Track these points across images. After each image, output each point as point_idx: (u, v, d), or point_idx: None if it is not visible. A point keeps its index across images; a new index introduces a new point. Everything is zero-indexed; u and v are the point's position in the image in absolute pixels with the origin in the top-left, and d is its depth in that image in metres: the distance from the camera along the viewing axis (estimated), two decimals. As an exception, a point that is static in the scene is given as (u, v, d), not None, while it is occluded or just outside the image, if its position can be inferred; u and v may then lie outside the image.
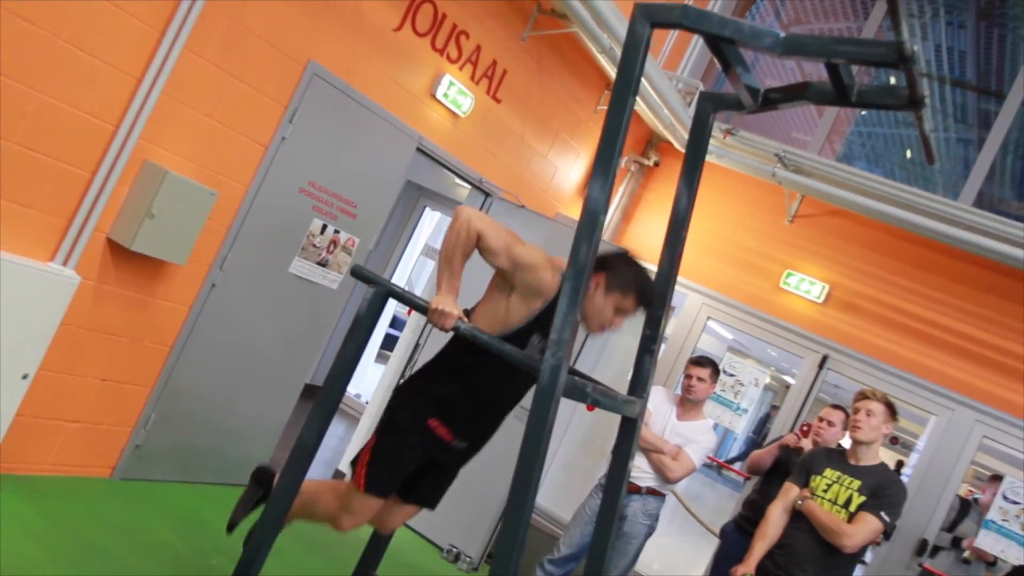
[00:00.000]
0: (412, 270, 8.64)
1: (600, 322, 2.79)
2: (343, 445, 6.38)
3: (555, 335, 2.27)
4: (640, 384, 2.67)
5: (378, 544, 3.43)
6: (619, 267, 2.77)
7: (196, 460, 4.51)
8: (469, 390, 2.89)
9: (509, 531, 2.23)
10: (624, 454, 2.66)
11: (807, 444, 4.67)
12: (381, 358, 9.35)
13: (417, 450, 2.95)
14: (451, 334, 2.81)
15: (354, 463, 2.99)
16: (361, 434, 5.91)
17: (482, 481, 5.02)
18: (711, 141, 6.58)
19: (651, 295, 2.76)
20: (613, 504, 2.70)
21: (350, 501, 3.00)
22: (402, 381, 3.09)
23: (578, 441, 6.92)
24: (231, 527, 3.22)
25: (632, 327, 2.94)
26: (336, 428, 7.35)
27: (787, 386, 16.05)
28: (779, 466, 4.72)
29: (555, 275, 2.71)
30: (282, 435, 4.94)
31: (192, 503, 4.33)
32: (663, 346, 7.62)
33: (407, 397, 2.96)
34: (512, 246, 2.75)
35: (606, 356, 6.57)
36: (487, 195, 5.84)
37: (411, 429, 2.92)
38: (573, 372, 2.77)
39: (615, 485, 2.69)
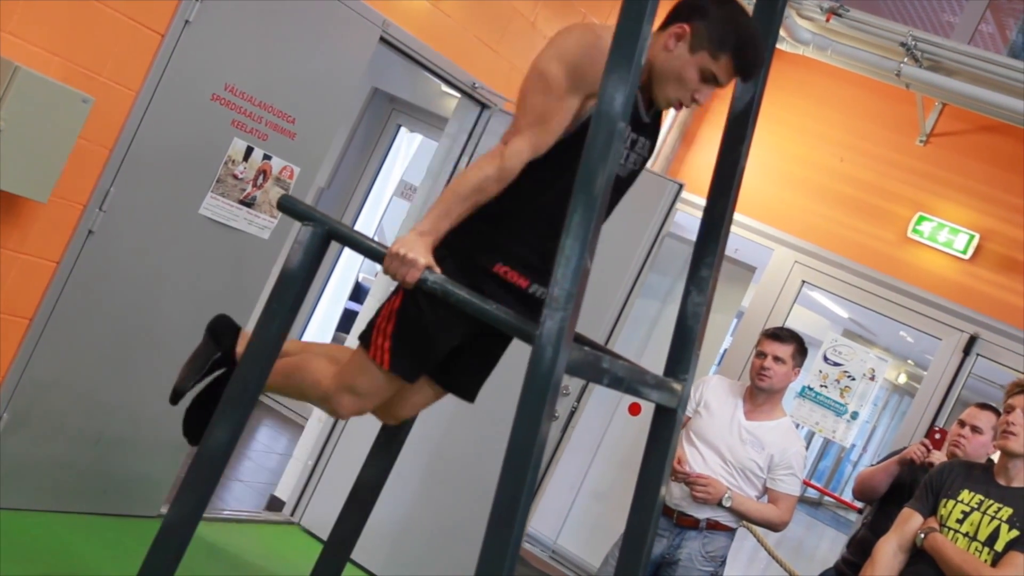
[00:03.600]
0: (383, 216, 8.68)
1: (679, 89, 2.77)
2: (284, 464, 6.47)
3: (557, 288, 2.29)
4: (681, 359, 2.69)
5: (386, 450, 3.40)
6: (715, 15, 2.72)
7: (67, 480, 4.57)
8: (547, 210, 2.82)
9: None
10: (657, 464, 2.69)
11: (940, 458, 4.69)
12: (338, 343, 9.41)
13: (461, 319, 2.86)
14: None
15: (369, 329, 2.95)
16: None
17: (470, 504, 5.07)
18: (807, 26, 6.55)
19: (755, 60, 2.74)
20: (639, 545, 2.74)
21: (358, 377, 2.97)
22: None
23: (617, 460, 7.00)
24: (176, 397, 3.24)
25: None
26: (276, 442, 7.44)
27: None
28: (899, 490, 4.74)
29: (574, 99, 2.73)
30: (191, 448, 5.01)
31: (63, 541, 4.40)
32: (736, 324, 7.68)
33: (449, 244, 2.84)
34: (563, 97, 2.74)
35: (659, 334, 6.61)
36: (483, 106, 5.84)
37: (470, 284, 2.82)
38: (582, 341, 2.80)
39: (644, 512, 2.73)
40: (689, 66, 2.73)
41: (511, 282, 2.89)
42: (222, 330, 3.33)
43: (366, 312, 7.82)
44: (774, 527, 4.65)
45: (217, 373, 3.32)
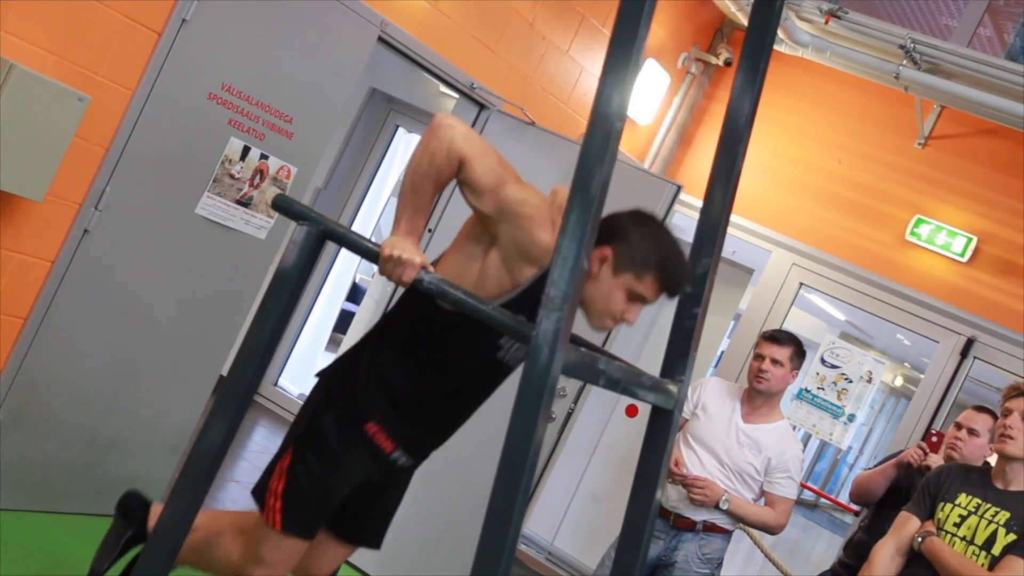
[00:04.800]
0: (380, 216, 8.67)
1: (606, 311, 2.78)
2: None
3: (553, 289, 2.28)
4: (677, 361, 2.68)
5: None
6: (635, 236, 2.74)
7: (62, 481, 4.56)
8: (424, 377, 2.93)
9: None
10: (653, 465, 2.68)
11: (936, 461, 4.69)
12: (334, 344, 9.42)
13: (351, 469, 2.98)
14: (404, 292, 2.84)
15: (261, 491, 3.01)
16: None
17: (466, 505, 5.06)
18: (807, 28, 6.55)
19: (680, 278, 2.74)
20: (636, 544, 2.73)
21: (261, 545, 3.02)
22: (326, 366, 3.13)
23: (613, 462, 6.99)
24: None
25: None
26: (271, 442, 7.42)
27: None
28: (896, 493, 4.74)
29: (556, 234, 2.74)
30: (188, 447, 5.00)
31: (55, 541, 4.39)
32: (733, 326, 7.68)
33: (333, 392, 2.99)
34: (504, 184, 2.77)
35: (656, 336, 6.61)
36: (482, 107, 5.84)
37: (342, 438, 2.95)
38: (578, 342, 2.79)
39: (640, 514, 2.72)
40: (615, 288, 2.75)
41: (377, 443, 2.98)
42: (132, 507, 3.36)
43: (362, 315, 7.83)
44: (771, 530, 4.64)
45: (137, 550, 3.33)
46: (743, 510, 4.54)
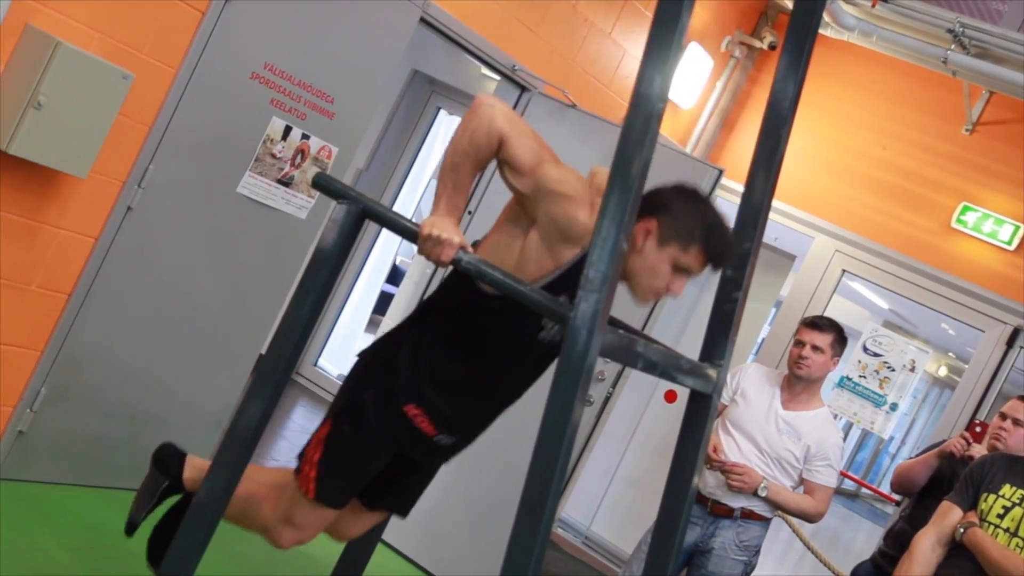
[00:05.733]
0: (421, 198, 8.68)
1: (651, 285, 2.79)
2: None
3: (592, 270, 2.28)
4: (717, 345, 2.67)
5: (355, 558, 3.50)
6: (679, 208, 2.76)
7: (102, 455, 4.61)
8: (466, 361, 2.94)
9: (514, 566, 2.27)
10: (690, 450, 2.67)
11: (980, 451, 4.64)
12: (373, 326, 9.46)
13: (386, 446, 3.02)
14: (447, 275, 2.84)
15: (301, 458, 3.06)
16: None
17: (502, 488, 5.07)
18: (853, 11, 6.48)
19: (725, 248, 2.76)
20: (672, 532, 2.73)
21: (293, 509, 3.08)
22: (368, 345, 3.16)
23: (651, 447, 6.98)
24: (131, 528, 3.34)
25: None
26: (310, 422, 7.47)
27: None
28: (938, 483, 4.69)
29: (596, 214, 2.73)
30: (227, 424, 5.04)
31: (95, 514, 4.44)
32: (775, 313, 7.63)
33: (374, 370, 3.01)
34: (543, 163, 2.77)
35: (696, 321, 6.58)
36: (523, 89, 5.82)
37: (379, 417, 2.98)
38: (617, 324, 2.79)
39: (677, 500, 2.71)
40: (660, 261, 2.75)
41: (418, 426, 2.99)
42: (167, 459, 3.40)
43: (402, 296, 7.86)
44: (809, 518, 4.62)
45: (177, 498, 3.41)
46: (781, 497, 4.51)
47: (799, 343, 4.59)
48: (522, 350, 2.98)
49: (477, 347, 2.94)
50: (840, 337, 4.60)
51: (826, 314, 6.12)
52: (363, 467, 3.04)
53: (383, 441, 3.01)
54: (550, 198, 2.74)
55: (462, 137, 2.79)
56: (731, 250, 2.76)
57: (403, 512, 3.30)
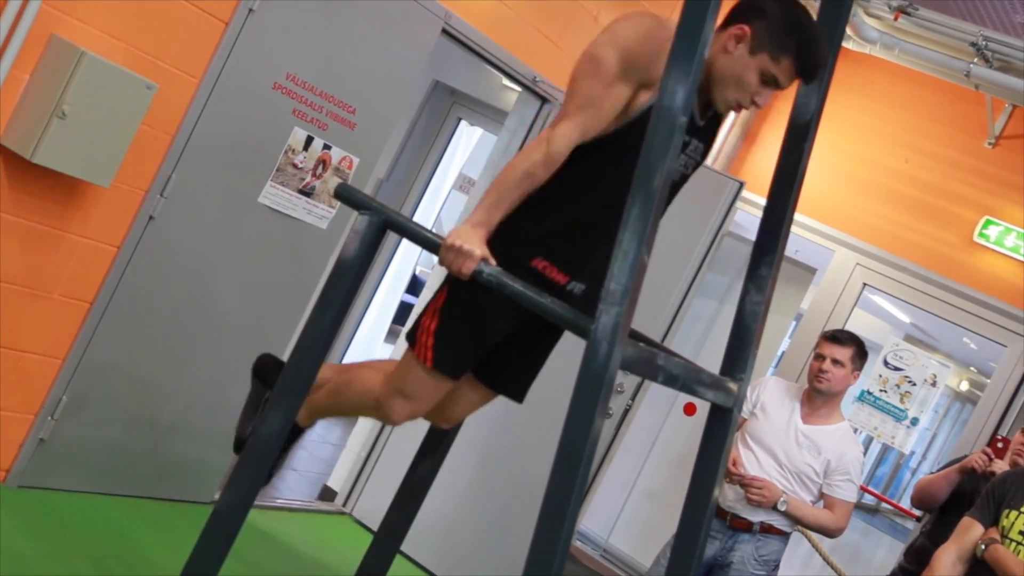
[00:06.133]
0: (441, 209, 8.69)
1: (738, 91, 2.74)
2: (337, 455, 6.51)
3: (613, 283, 2.28)
4: (738, 359, 2.67)
5: (436, 447, 3.43)
6: (774, 14, 2.69)
7: (123, 464, 4.63)
8: (581, 203, 2.83)
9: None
10: (711, 464, 2.67)
11: (1001, 467, 4.62)
12: (392, 336, 9.46)
13: (509, 312, 2.87)
14: None
15: (415, 332, 2.96)
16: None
17: (521, 499, 5.07)
18: (875, 24, 6.47)
19: (818, 62, 2.71)
20: (691, 545, 2.72)
21: (407, 380, 2.98)
22: None
23: (670, 459, 6.97)
24: (239, 445, 3.27)
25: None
26: (330, 433, 7.49)
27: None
28: (959, 498, 4.68)
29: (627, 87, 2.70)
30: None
31: (117, 523, 4.46)
32: (795, 326, 7.61)
33: (492, 238, 2.84)
34: (610, 84, 2.72)
35: (717, 334, 6.57)
36: (544, 100, 5.83)
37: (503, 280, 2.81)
38: (637, 337, 2.78)
39: (696, 513, 2.71)
40: (749, 69, 2.70)
41: (550, 277, 2.87)
42: (267, 369, 3.36)
43: (420, 306, 7.84)
44: (829, 533, 4.60)
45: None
46: (801, 512, 4.50)
47: (819, 356, 4.57)
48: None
49: (590, 189, 2.83)
50: (860, 351, 4.58)
51: (846, 328, 6.11)
52: (482, 332, 2.94)
53: (502, 310, 2.88)
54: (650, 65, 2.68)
55: (528, 165, 2.75)
56: (823, 65, 2.71)
57: (518, 395, 3.17)
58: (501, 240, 2.82)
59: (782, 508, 4.45)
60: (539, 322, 2.89)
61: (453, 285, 2.91)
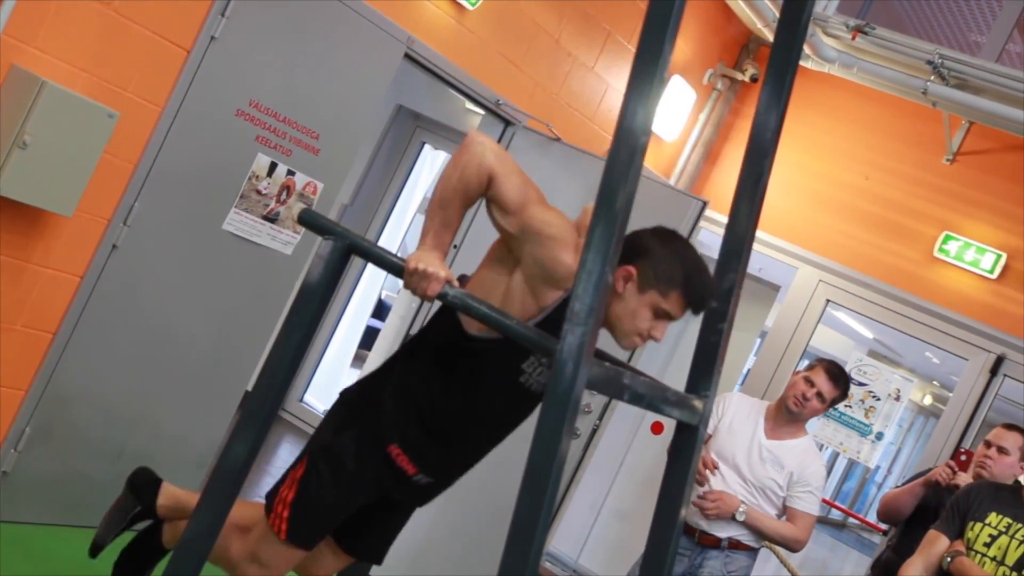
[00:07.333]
0: (407, 233, 8.69)
1: (633, 330, 2.81)
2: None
3: (578, 303, 2.28)
4: (703, 376, 2.67)
5: None
6: (658, 252, 2.77)
7: (88, 495, 4.58)
8: (451, 400, 2.93)
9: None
10: (677, 482, 2.67)
11: (966, 480, 4.66)
12: (359, 360, 9.44)
13: (365, 487, 3.00)
14: (432, 312, 2.85)
15: (272, 496, 3.03)
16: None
17: (490, 522, 5.06)
18: (833, 44, 6.54)
19: (705, 294, 2.74)
20: (660, 563, 2.71)
21: (262, 547, 3.05)
22: (351, 385, 3.15)
23: (638, 479, 6.97)
24: (95, 550, 3.35)
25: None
26: (295, 456, 7.44)
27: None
28: (924, 512, 4.71)
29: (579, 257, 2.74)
30: (213, 462, 5.02)
31: (81, 555, 4.39)
32: (760, 343, 7.65)
33: (358, 410, 3.00)
34: (530, 204, 2.79)
35: (682, 353, 6.58)
36: (507, 123, 5.85)
37: (359, 457, 2.96)
38: (603, 357, 2.79)
39: (665, 531, 2.70)
40: (641, 306, 2.77)
41: (400, 466, 2.98)
42: (142, 484, 3.40)
43: (387, 331, 7.85)
44: (790, 546, 4.61)
45: (145, 524, 3.43)
46: (761, 523, 4.51)
47: (808, 382, 4.57)
48: (505, 394, 2.97)
49: (461, 387, 2.93)
50: (844, 393, 4.64)
51: (811, 344, 6.16)
52: (338, 508, 3.02)
53: (361, 483, 2.99)
54: (535, 239, 2.76)
55: (452, 174, 2.79)
56: (711, 296, 2.73)
57: (377, 559, 3.27)
58: (366, 418, 2.96)
59: (740, 518, 4.46)
60: (401, 488, 3.03)
61: (313, 455, 3.00)
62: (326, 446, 3.00)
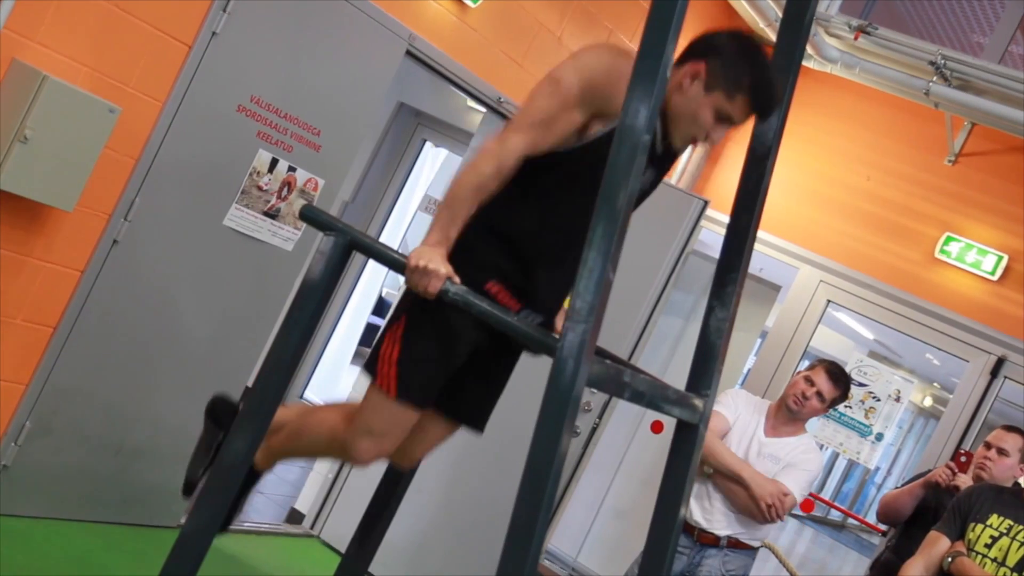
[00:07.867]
0: (408, 230, 8.69)
1: (693, 128, 2.76)
2: (304, 477, 6.47)
3: (579, 300, 2.28)
4: (703, 375, 2.68)
5: (394, 488, 3.38)
6: (730, 54, 2.70)
7: (88, 489, 4.59)
8: (536, 221, 2.84)
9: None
10: (677, 480, 2.67)
11: (965, 481, 4.66)
12: (359, 358, 9.43)
13: (470, 332, 2.86)
14: None
15: (374, 362, 2.93)
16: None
17: (489, 519, 5.06)
18: (835, 44, 6.53)
19: (771, 100, 2.72)
20: (659, 562, 2.72)
21: (372, 415, 2.93)
22: None
23: (638, 478, 6.97)
24: (188, 488, 3.23)
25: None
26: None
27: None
28: (924, 513, 4.72)
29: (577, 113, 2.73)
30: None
31: (82, 549, 4.41)
32: (760, 343, 7.65)
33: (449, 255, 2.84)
34: (563, 98, 2.74)
35: (683, 351, 6.59)
36: (508, 120, 5.84)
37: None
38: (603, 355, 2.79)
39: (664, 530, 2.71)
40: (704, 106, 2.71)
41: (502, 303, 2.85)
42: (221, 412, 3.32)
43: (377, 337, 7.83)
44: (750, 505, 4.46)
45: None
46: (724, 455, 4.50)
47: (809, 381, 4.56)
48: (587, 205, 2.87)
49: (545, 209, 2.85)
50: (844, 395, 4.65)
51: (811, 345, 6.16)
52: (444, 360, 2.90)
53: (464, 330, 2.86)
54: (595, 99, 2.72)
55: (478, 178, 2.75)
56: (777, 103, 2.72)
57: (479, 424, 3.14)
58: (457, 264, 2.79)
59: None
60: (497, 345, 2.91)
61: (411, 310, 2.89)
62: (422, 300, 2.80)
